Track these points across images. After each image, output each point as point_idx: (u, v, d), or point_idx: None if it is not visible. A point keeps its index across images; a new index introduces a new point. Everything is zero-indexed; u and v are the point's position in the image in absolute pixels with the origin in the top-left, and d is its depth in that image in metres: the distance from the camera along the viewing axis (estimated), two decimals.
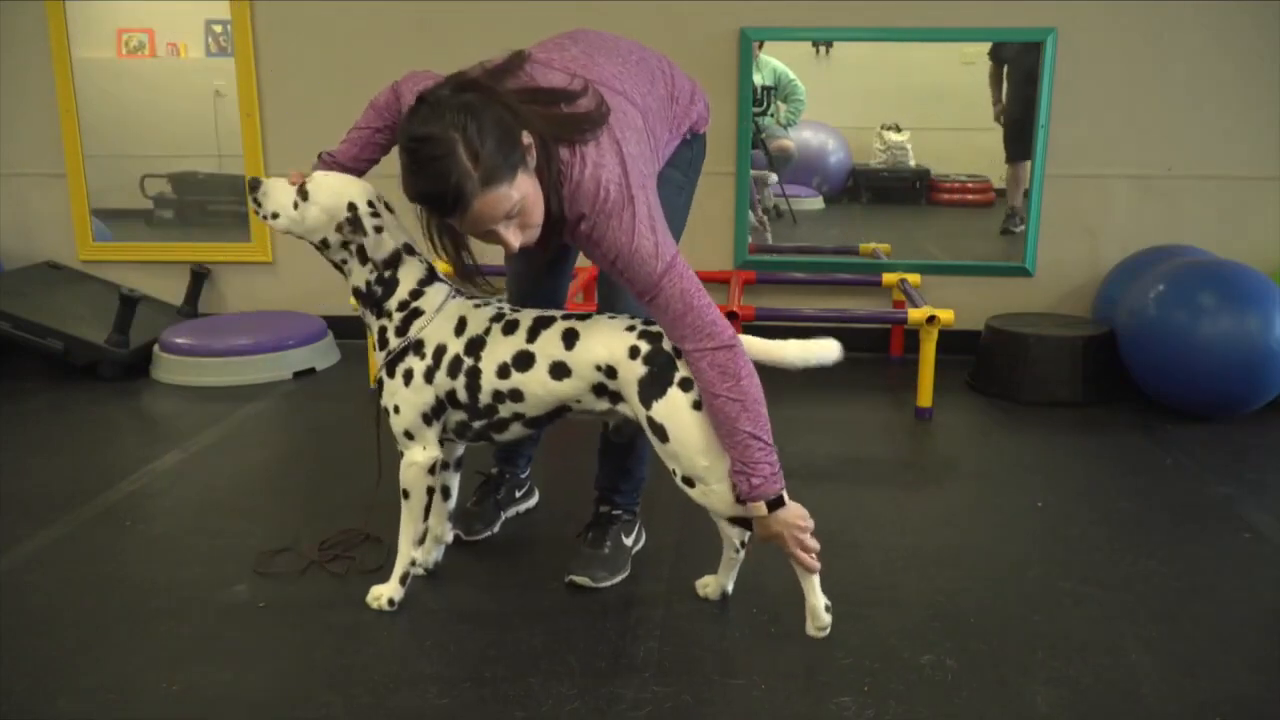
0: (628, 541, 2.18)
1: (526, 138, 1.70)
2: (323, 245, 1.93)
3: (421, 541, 2.05)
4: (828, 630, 1.90)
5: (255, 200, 1.92)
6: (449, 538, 2.18)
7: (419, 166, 1.64)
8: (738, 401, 1.76)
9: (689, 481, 1.85)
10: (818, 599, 1.89)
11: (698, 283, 1.80)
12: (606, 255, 1.78)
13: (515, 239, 1.73)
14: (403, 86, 1.98)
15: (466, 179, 1.62)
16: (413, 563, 2.04)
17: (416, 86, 1.85)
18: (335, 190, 1.89)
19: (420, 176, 1.64)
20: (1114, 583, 2.14)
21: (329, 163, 2.01)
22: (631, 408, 1.86)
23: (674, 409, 1.81)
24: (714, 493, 1.84)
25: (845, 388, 3.54)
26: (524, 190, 1.69)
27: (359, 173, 2.02)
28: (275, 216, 1.91)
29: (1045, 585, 2.12)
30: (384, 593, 2.02)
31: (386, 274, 1.93)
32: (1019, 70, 3.77)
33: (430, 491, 2.00)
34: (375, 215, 1.90)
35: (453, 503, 2.15)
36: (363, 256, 1.91)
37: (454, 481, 2.14)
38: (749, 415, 1.77)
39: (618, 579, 2.12)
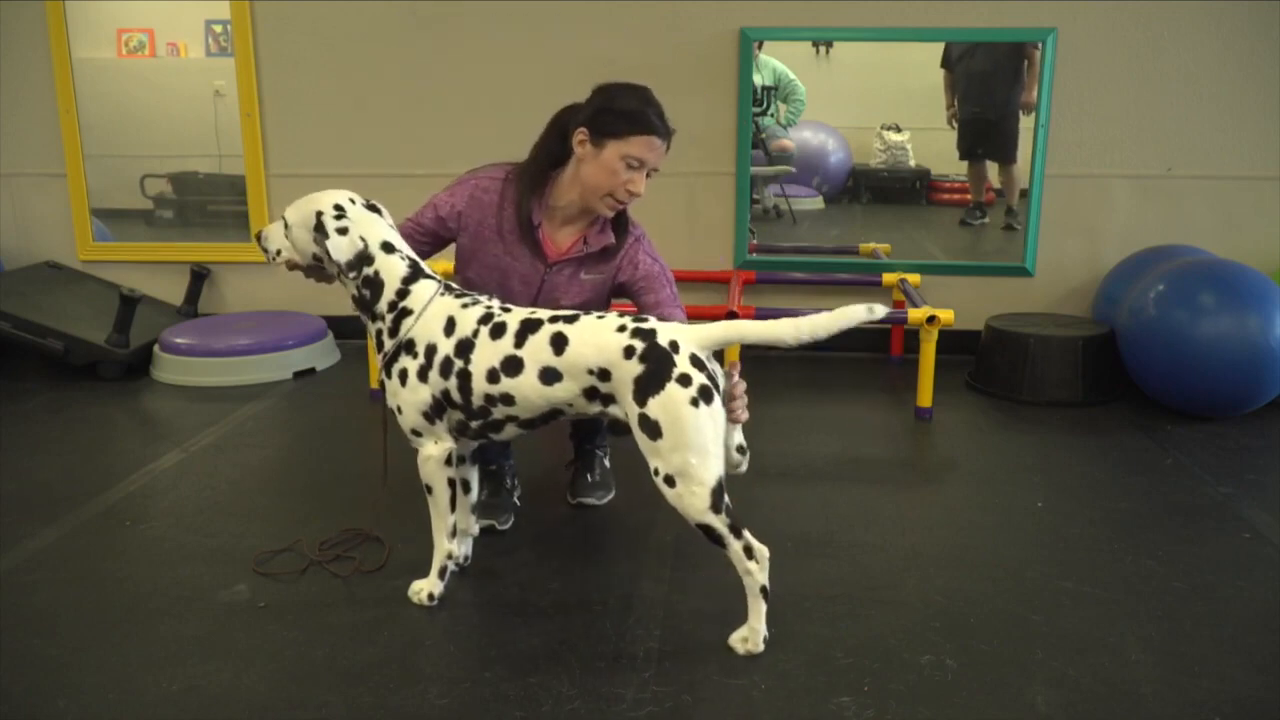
0: (607, 464, 2.61)
1: None
2: (318, 262, 2.00)
3: (453, 535, 2.06)
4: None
5: (263, 249, 2.06)
6: (475, 530, 2.22)
7: (652, 103, 2.16)
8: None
9: (670, 481, 1.81)
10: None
11: None
12: (654, 257, 2.34)
13: (643, 185, 2.18)
14: (452, 198, 2.28)
15: (669, 126, 2.19)
16: (449, 556, 2.06)
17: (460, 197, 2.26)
18: (305, 206, 1.98)
19: (653, 108, 2.16)
20: (1114, 583, 2.14)
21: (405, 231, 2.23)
22: (623, 407, 1.85)
23: (671, 404, 1.79)
24: (693, 494, 1.80)
25: (845, 388, 3.54)
26: None
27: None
28: (279, 253, 2.03)
29: (1045, 585, 2.12)
30: (424, 588, 2.04)
31: (367, 271, 1.95)
32: (965, 71, 3.82)
33: (452, 484, 2.02)
34: (340, 218, 1.95)
35: (474, 496, 2.17)
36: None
37: (473, 475, 2.16)
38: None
39: (610, 496, 2.55)
